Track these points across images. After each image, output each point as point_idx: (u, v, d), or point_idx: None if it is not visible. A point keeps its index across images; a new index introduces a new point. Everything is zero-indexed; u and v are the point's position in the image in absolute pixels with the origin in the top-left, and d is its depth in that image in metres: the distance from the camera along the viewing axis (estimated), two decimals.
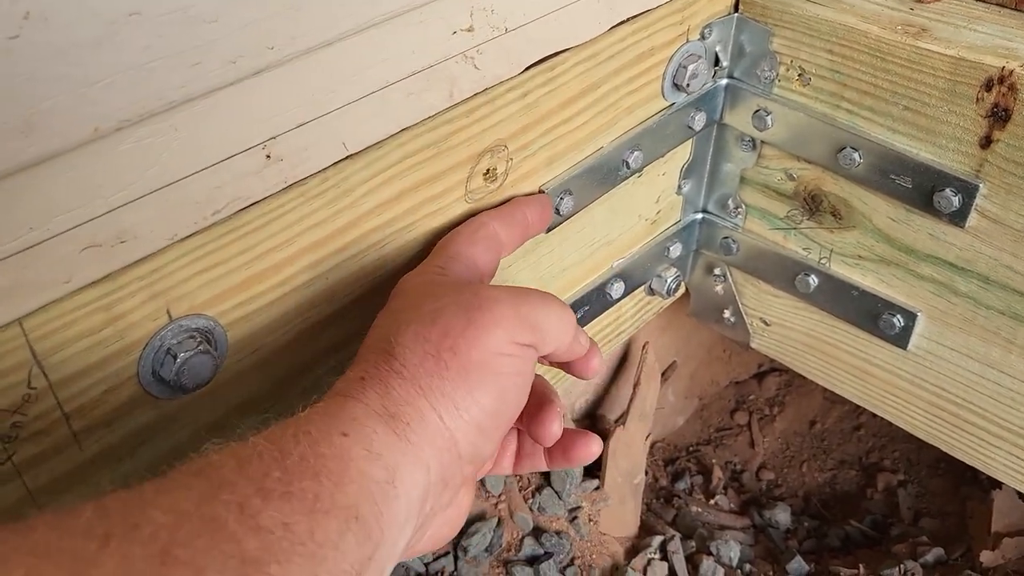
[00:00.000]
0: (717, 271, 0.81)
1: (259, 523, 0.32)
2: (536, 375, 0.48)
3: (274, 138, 0.43)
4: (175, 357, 0.44)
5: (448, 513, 0.46)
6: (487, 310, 0.43)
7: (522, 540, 0.95)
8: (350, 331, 0.53)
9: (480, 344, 0.42)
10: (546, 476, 1.00)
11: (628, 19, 0.59)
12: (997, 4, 0.62)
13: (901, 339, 0.70)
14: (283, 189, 0.45)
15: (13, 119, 0.33)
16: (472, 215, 0.56)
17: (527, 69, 0.54)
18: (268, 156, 0.43)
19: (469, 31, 0.50)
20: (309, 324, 0.51)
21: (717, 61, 0.68)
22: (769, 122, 0.68)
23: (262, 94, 0.41)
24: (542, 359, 0.48)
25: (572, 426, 1.09)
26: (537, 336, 0.45)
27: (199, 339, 0.45)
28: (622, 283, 0.74)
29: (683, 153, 0.73)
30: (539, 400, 0.49)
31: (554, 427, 0.48)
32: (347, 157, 0.47)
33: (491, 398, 0.42)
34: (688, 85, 0.66)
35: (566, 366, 0.51)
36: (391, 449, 0.38)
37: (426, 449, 0.40)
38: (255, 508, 0.32)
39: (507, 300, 0.44)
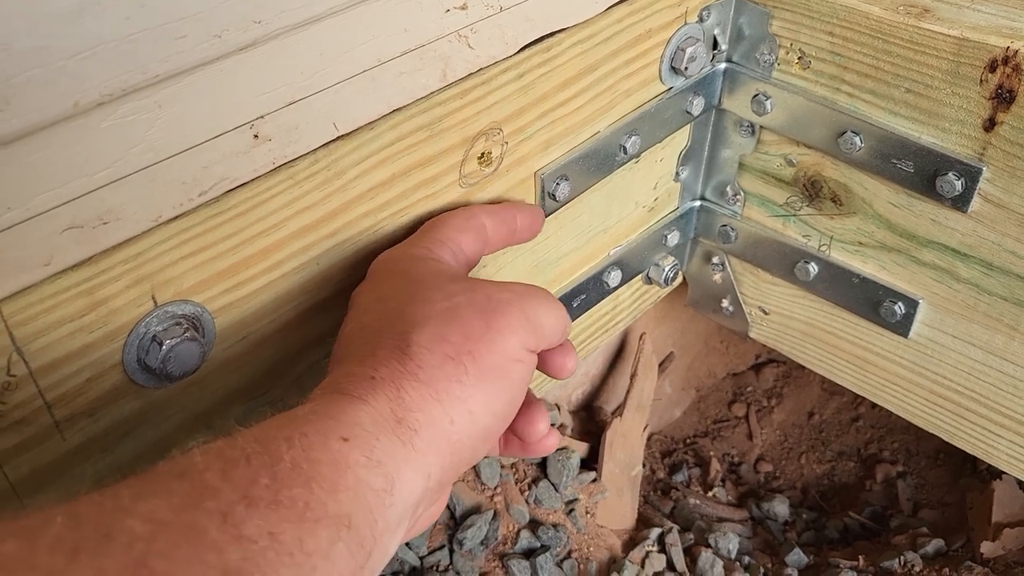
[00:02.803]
0: (715, 259, 0.79)
1: (243, 532, 0.31)
2: None
3: (262, 117, 0.42)
4: (161, 344, 0.42)
5: (431, 510, 0.45)
6: (501, 314, 0.43)
7: (518, 533, 0.94)
8: (342, 318, 0.52)
9: (497, 349, 0.42)
10: (543, 469, 0.99)
11: None
12: None
13: (902, 327, 0.69)
14: (272, 170, 0.44)
15: None
16: (467, 200, 0.55)
17: (523, 49, 0.53)
18: (256, 136, 0.42)
19: (463, 9, 0.48)
20: (300, 311, 0.50)
21: (716, 44, 0.66)
22: (768, 106, 0.67)
23: (249, 70, 0.40)
24: None
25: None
26: (541, 339, 0.44)
27: (186, 326, 0.43)
28: (619, 271, 0.73)
29: (681, 138, 0.71)
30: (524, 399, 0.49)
31: (541, 425, 0.49)
32: (338, 138, 0.46)
33: (502, 404, 0.42)
34: (686, 69, 0.64)
35: (542, 365, 0.49)
36: (393, 456, 0.37)
37: (430, 456, 0.39)
38: (239, 517, 0.31)
39: (517, 303, 0.44)
